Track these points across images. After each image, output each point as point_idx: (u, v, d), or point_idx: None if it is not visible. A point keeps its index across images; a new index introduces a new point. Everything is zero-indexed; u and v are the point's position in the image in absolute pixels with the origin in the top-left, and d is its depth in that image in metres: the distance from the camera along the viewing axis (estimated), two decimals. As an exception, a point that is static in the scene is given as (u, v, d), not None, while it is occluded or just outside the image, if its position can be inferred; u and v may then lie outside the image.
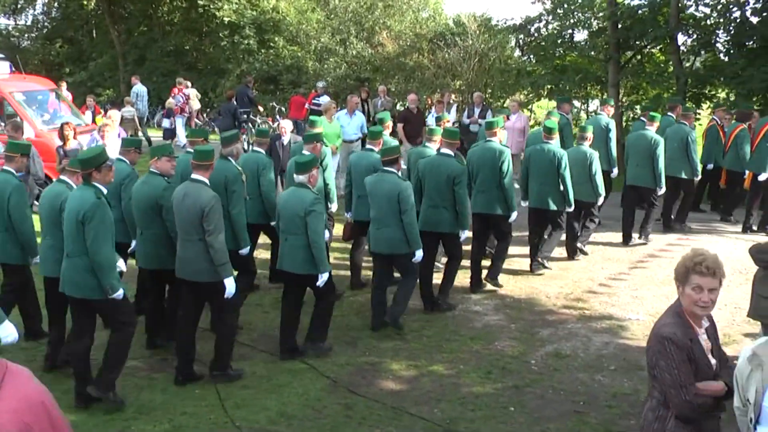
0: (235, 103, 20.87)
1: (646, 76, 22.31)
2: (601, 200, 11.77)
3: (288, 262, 7.92)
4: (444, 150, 9.55)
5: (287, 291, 8.23)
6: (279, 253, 8.14)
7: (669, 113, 14.13)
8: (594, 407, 7.11)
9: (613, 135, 13.34)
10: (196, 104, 25.05)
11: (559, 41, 23.17)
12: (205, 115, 26.86)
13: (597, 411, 7.04)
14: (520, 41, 24.91)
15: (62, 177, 7.47)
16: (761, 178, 12.97)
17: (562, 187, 10.73)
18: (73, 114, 16.06)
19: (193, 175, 7.40)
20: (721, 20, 20.36)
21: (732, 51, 19.85)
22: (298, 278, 7.94)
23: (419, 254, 8.71)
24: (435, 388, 7.46)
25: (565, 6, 23.18)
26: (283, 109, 23.56)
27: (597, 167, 11.43)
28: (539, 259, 11.11)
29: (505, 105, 20.08)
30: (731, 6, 19.61)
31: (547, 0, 23.31)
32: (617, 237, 12.89)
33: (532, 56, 24.81)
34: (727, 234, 13.33)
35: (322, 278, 7.83)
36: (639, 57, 22.73)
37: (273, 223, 8.87)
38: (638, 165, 12.48)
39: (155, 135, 23.51)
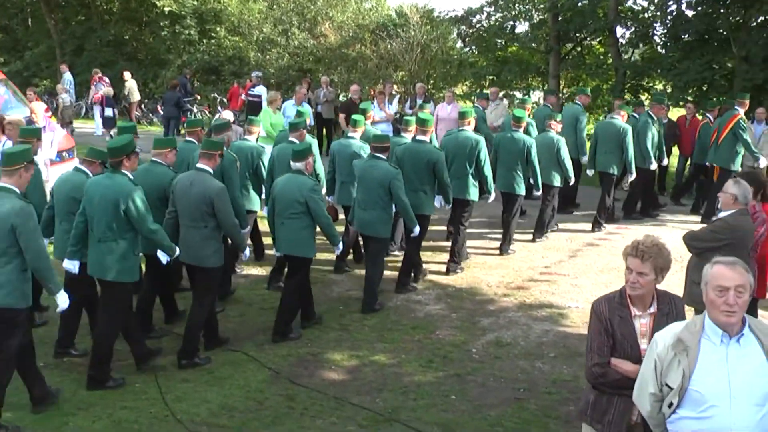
0: (178, 92, 20.74)
1: (586, 67, 22.68)
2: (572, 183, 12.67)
3: (284, 245, 8.33)
4: (419, 137, 9.98)
5: (287, 272, 8.83)
6: (276, 238, 8.45)
7: (576, 102, 14.26)
8: (534, 394, 7.19)
9: (584, 125, 13.84)
10: (135, 95, 24.74)
11: (500, 33, 23.34)
12: (143, 106, 26.54)
13: (537, 397, 7.12)
14: (462, 32, 25.02)
15: (79, 166, 7.72)
16: (762, 164, 13.27)
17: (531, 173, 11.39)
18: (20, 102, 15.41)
19: (199, 165, 7.72)
20: (659, 14, 20.76)
21: (669, 44, 20.25)
22: (293, 260, 8.43)
23: (417, 230, 9.34)
24: (377, 378, 7.48)
25: (507, -2, 23.42)
26: (225, 100, 23.39)
27: (565, 153, 11.97)
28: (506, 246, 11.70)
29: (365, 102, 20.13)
30: (668, 0, 19.94)
31: (489, -8, 23.50)
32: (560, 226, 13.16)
33: (474, 47, 24.96)
34: (667, 223, 13.56)
35: (338, 249, 8.91)
36: (579, 49, 23.09)
37: None
38: (606, 152, 12.78)
39: (89, 125, 23.18)
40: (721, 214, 6.80)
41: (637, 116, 13.69)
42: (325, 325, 8.84)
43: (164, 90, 23.75)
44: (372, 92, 19.43)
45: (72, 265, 7.25)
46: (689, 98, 18.19)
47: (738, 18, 17.93)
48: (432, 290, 10.09)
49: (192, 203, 7.54)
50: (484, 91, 18.76)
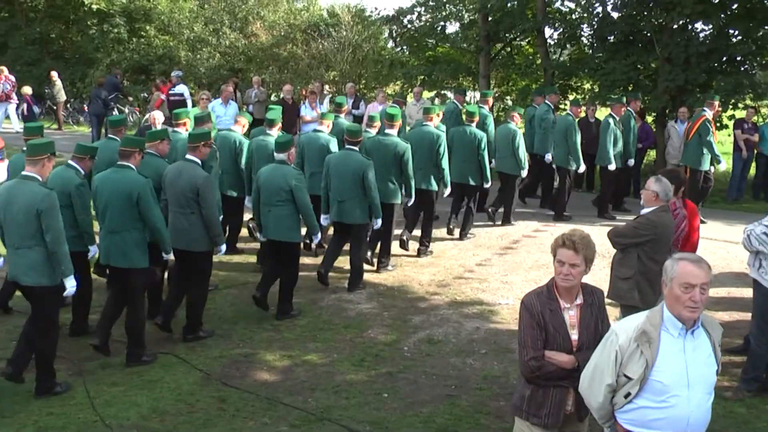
0: (104, 90, 20.46)
1: (516, 67, 22.99)
2: (524, 173, 13.32)
3: (272, 231, 8.92)
4: (387, 130, 10.66)
5: (269, 256, 9.41)
6: (262, 224, 9.05)
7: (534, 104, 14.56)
8: (465, 390, 7.28)
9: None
10: (62, 95, 24.29)
11: (431, 33, 23.50)
12: (69, 106, 26.05)
13: (468, 394, 7.21)
14: (394, 32, 25.12)
15: (70, 162, 7.88)
16: (722, 167, 13.68)
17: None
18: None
19: (188, 156, 8.27)
20: (585, 15, 21.13)
21: (595, 45, 20.62)
22: (279, 245, 8.98)
23: (379, 222, 9.96)
24: (309, 378, 7.49)
25: (438, -2, 23.58)
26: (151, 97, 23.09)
27: (521, 143, 12.84)
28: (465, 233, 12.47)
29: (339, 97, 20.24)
30: (594, 1, 20.31)
31: (420, -8, 23.62)
32: (488, 223, 13.38)
33: (405, 47, 25.07)
34: (595, 220, 13.82)
35: (317, 239, 9.53)
36: (509, 49, 23.35)
37: None
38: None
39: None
40: (643, 211, 6.96)
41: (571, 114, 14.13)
42: (257, 325, 8.83)
43: (93, 89, 23.31)
44: (304, 92, 19.40)
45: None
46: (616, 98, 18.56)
47: (660, 20, 18.29)
48: (364, 289, 10.13)
49: (179, 191, 8.08)
50: (466, 86, 18.98)
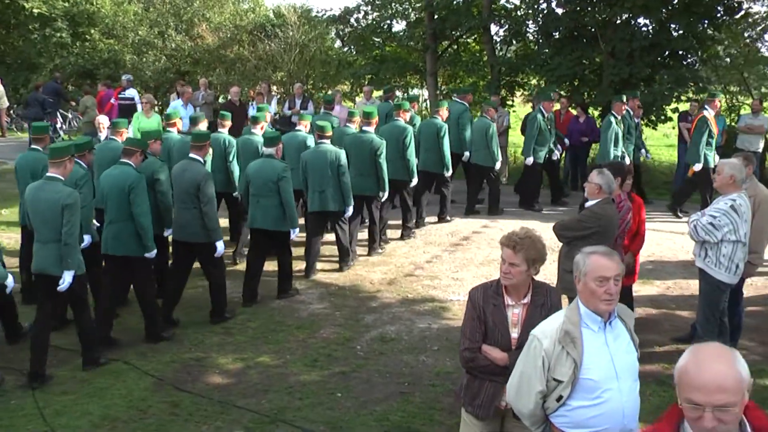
0: (43, 94, 20.19)
1: (463, 65, 23.04)
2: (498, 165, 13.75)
3: (260, 221, 9.53)
4: (365, 128, 11.32)
5: (255, 245, 9.81)
6: (249, 214, 9.69)
7: (458, 100, 14.62)
8: (418, 387, 7.32)
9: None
10: (4, 102, 23.89)
11: (378, 32, 23.51)
12: (12, 112, 25.62)
13: (421, 390, 7.25)
14: (340, 32, 25.08)
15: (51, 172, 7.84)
16: (697, 168, 13.48)
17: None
18: None
19: (191, 154, 9.01)
20: (530, 12, 21.26)
21: (541, 41, 20.76)
22: (267, 233, 9.57)
23: (350, 210, 10.63)
24: (262, 380, 7.47)
25: (383, -3, 23.59)
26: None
27: (494, 136, 13.34)
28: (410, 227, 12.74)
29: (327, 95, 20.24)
30: (539, -2, 20.51)
31: (365, -10, 23.60)
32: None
33: (352, 47, 25.04)
34: (540, 215, 13.97)
35: (294, 233, 9.73)
36: (455, 47, 23.41)
37: None
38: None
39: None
40: (587, 204, 7.07)
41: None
42: (209, 329, 8.79)
43: (29, 94, 22.92)
44: (252, 93, 19.32)
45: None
46: (562, 93, 18.79)
47: (604, 16, 18.53)
48: (315, 289, 10.15)
49: (184, 187, 8.78)
50: (463, 86, 18.88)
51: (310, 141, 11.33)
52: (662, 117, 18.08)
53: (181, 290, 9.16)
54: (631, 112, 14.77)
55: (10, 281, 7.62)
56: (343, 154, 10.45)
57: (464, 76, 23.70)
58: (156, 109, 16.19)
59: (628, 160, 14.34)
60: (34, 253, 7.46)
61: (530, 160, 14.18)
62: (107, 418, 6.68)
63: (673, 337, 8.52)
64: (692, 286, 9.25)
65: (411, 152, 11.97)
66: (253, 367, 7.76)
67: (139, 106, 18.27)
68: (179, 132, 11.72)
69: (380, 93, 20.67)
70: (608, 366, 3.87)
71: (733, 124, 18.50)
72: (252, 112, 16.28)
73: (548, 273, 10.23)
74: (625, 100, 14.41)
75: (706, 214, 7.23)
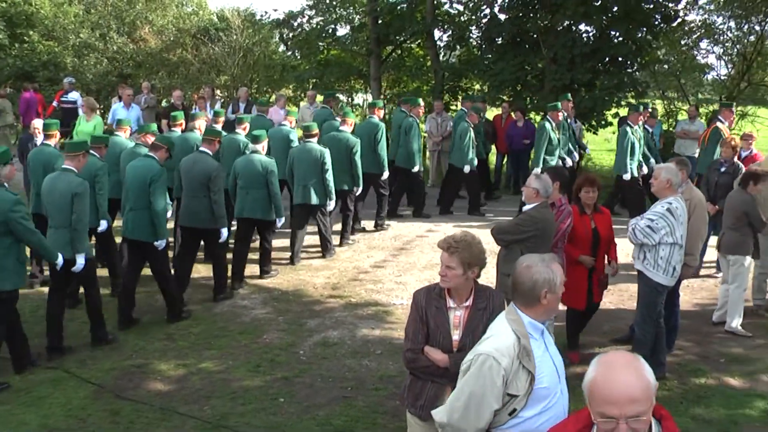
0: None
1: (406, 69, 23.13)
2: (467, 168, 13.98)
3: (248, 211, 10.39)
4: (342, 127, 12.43)
5: (242, 233, 10.63)
6: (238, 205, 10.49)
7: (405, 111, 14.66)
8: (361, 391, 7.34)
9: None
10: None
11: (322, 36, 23.51)
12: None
13: (364, 394, 7.27)
14: (284, 36, 25.01)
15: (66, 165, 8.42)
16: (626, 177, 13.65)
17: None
18: None
19: (201, 148, 9.88)
20: (474, 17, 21.48)
21: (484, 46, 20.94)
22: (255, 222, 10.52)
23: (333, 203, 11.55)
24: (205, 386, 7.43)
25: (328, 1, 23.59)
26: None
27: (383, 142, 13.34)
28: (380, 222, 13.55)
29: (270, 100, 20.14)
30: (482, 4, 20.68)
31: (310, -6, 23.61)
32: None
33: (296, 51, 25.00)
34: (483, 219, 14.09)
35: (280, 222, 10.67)
36: (399, 52, 23.50)
37: None
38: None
39: None
40: (525, 208, 7.15)
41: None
42: (151, 335, 8.71)
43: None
44: (195, 97, 19.16)
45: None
46: (505, 98, 18.99)
47: (546, 22, 18.81)
48: (258, 294, 10.13)
49: (195, 178, 9.56)
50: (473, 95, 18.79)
51: (294, 135, 12.54)
52: (602, 122, 18.38)
53: (189, 274, 9.96)
54: (567, 116, 15.02)
55: (60, 260, 7.96)
56: (327, 153, 11.27)
57: (408, 81, 23.80)
58: (98, 112, 15.98)
59: (570, 162, 14.62)
60: (47, 237, 8.04)
61: (627, 176, 13.64)
62: (45, 428, 6.59)
63: (613, 338, 8.68)
64: (632, 289, 9.41)
65: (382, 146, 13.05)
66: (195, 373, 7.71)
67: (81, 110, 18.04)
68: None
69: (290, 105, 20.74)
70: (553, 371, 3.89)
71: (670, 129, 18.91)
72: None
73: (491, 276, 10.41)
74: (559, 107, 14.62)
75: (644, 217, 7.37)
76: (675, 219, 7.23)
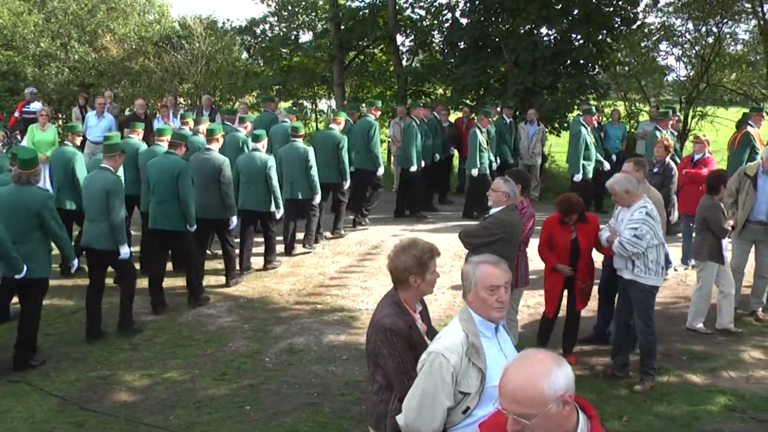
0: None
1: (370, 75, 23.20)
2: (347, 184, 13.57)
3: (250, 203, 11.18)
4: (331, 125, 13.31)
5: (246, 225, 11.46)
6: (240, 198, 11.18)
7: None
8: (328, 397, 7.34)
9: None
10: None
11: (285, 42, 23.50)
12: None
13: (330, 400, 7.27)
14: (247, 43, 24.95)
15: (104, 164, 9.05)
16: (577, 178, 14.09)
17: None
18: None
19: (207, 146, 10.75)
20: (435, 22, 21.63)
21: (446, 50, 21.08)
22: (256, 214, 11.31)
23: (318, 198, 12.28)
24: (170, 395, 7.39)
25: (290, 8, 23.59)
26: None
27: (377, 140, 13.99)
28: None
29: (235, 107, 20.08)
30: (444, 9, 20.82)
31: (271, 2, 23.53)
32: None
33: (259, 58, 24.95)
34: (448, 222, 14.16)
35: (279, 213, 11.46)
36: (362, 57, 23.57)
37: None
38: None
39: None
40: (492, 211, 7.18)
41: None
42: (115, 346, 8.65)
43: None
44: (159, 105, 19.05)
45: None
46: (467, 101, 19.11)
47: (508, 26, 18.99)
48: (224, 302, 10.10)
49: (206, 173, 10.40)
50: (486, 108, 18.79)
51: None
52: (565, 124, 18.54)
53: (203, 262, 10.81)
54: (506, 118, 15.33)
55: (75, 262, 8.79)
56: (311, 151, 12.08)
57: (371, 86, 23.86)
58: (59, 122, 15.85)
59: (607, 166, 14.80)
60: (84, 230, 9.13)
61: (579, 177, 14.06)
62: (8, 442, 6.53)
63: (581, 338, 8.71)
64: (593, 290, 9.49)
65: (376, 144, 13.82)
66: (160, 383, 7.67)
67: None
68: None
69: (288, 104, 20.71)
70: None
71: (632, 130, 19.10)
72: (157, 124, 16.10)
73: (453, 279, 10.48)
74: (499, 109, 14.87)
75: (625, 228, 7.33)
76: (654, 220, 7.29)
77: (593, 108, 14.85)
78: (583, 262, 7.74)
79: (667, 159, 10.29)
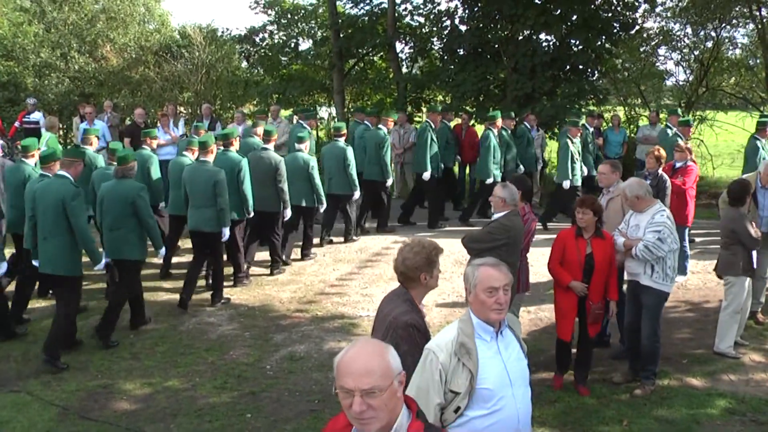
0: None
1: (369, 82, 23.24)
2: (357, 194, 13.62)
3: (260, 204, 11.20)
4: (336, 137, 13.36)
5: (289, 220, 11.84)
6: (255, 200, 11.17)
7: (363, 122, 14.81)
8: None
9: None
10: None
11: (284, 51, 23.56)
12: None
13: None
14: (246, 52, 25.01)
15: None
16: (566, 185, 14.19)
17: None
18: None
19: (201, 158, 10.44)
20: (435, 29, 21.67)
21: (446, 57, 21.11)
22: (268, 214, 11.51)
23: (323, 207, 12.34)
24: (171, 404, 7.40)
25: (289, 16, 23.65)
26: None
27: (388, 151, 14.07)
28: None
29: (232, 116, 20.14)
30: (443, 16, 20.85)
31: (271, 10, 23.57)
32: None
33: (259, 66, 25.00)
34: (447, 229, 14.17)
35: (288, 212, 11.67)
36: (362, 65, 23.61)
37: None
38: (369, 162, 13.63)
39: None
40: (495, 216, 7.19)
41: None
42: (116, 355, 8.66)
43: None
44: (158, 115, 19.06)
45: None
46: (467, 108, 19.12)
47: (507, 32, 19.02)
48: (224, 311, 10.11)
49: (263, 171, 11.32)
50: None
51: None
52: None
53: (255, 248, 11.96)
54: (527, 125, 15.42)
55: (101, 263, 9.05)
56: (349, 150, 12.83)
57: (371, 94, 23.91)
58: (60, 132, 15.88)
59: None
60: (189, 216, 10.30)
61: (567, 183, 14.11)
62: (9, 452, 6.53)
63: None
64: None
65: (387, 155, 13.95)
66: (161, 392, 7.68)
67: (43, 129, 17.92)
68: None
69: (288, 112, 20.73)
70: (502, 374, 3.95)
71: (632, 135, 19.13)
72: (157, 133, 16.13)
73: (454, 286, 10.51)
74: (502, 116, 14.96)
75: (648, 231, 7.28)
76: (672, 224, 7.31)
77: (578, 121, 14.86)
78: (596, 279, 7.21)
79: (660, 170, 10.21)
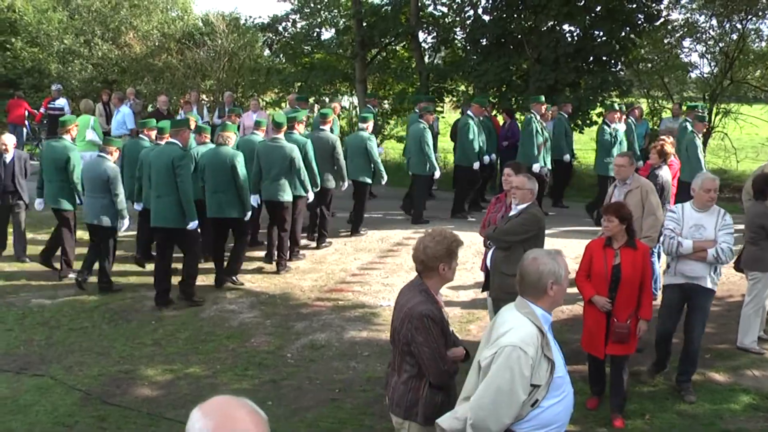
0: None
1: (391, 71, 23.16)
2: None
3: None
4: (322, 127, 12.78)
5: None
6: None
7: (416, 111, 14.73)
8: (349, 393, 7.37)
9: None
10: None
11: (307, 39, 23.54)
12: None
13: (352, 396, 7.29)
14: (269, 40, 25.00)
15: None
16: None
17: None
18: None
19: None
20: (458, 19, 21.56)
21: (468, 47, 21.01)
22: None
23: (311, 195, 11.62)
24: (192, 390, 7.42)
25: (312, 5, 23.61)
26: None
27: (430, 144, 13.88)
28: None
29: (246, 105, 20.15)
30: (466, 5, 20.76)
31: (294, -1, 23.60)
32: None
33: (281, 55, 25.00)
34: (466, 222, 14.13)
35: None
36: (384, 54, 23.54)
37: None
38: (352, 161, 13.13)
39: None
40: (520, 207, 7.10)
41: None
42: (138, 341, 8.70)
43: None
44: (181, 102, 19.12)
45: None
46: (490, 98, 19.03)
47: (530, 23, 18.90)
48: (246, 298, 10.13)
49: (277, 161, 10.95)
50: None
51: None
52: (588, 121, 18.44)
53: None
54: (563, 114, 15.37)
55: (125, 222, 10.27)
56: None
57: (393, 83, 23.85)
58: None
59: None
60: (208, 202, 10.42)
61: (537, 167, 14.10)
62: (32, 435, 6.57)
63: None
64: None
65: (429, 148, 13.80)
66: (182, 378, 7.72)
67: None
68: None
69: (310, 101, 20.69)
70: (562, 360, 3.98)
71: (655, 127, 19.00)
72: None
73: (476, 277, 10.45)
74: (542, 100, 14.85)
75: (725, 233, 7.12)
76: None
77: (546, 105, 14.92)
78: (623, 293, 6.55)
79: (665, 166, 10.04)
